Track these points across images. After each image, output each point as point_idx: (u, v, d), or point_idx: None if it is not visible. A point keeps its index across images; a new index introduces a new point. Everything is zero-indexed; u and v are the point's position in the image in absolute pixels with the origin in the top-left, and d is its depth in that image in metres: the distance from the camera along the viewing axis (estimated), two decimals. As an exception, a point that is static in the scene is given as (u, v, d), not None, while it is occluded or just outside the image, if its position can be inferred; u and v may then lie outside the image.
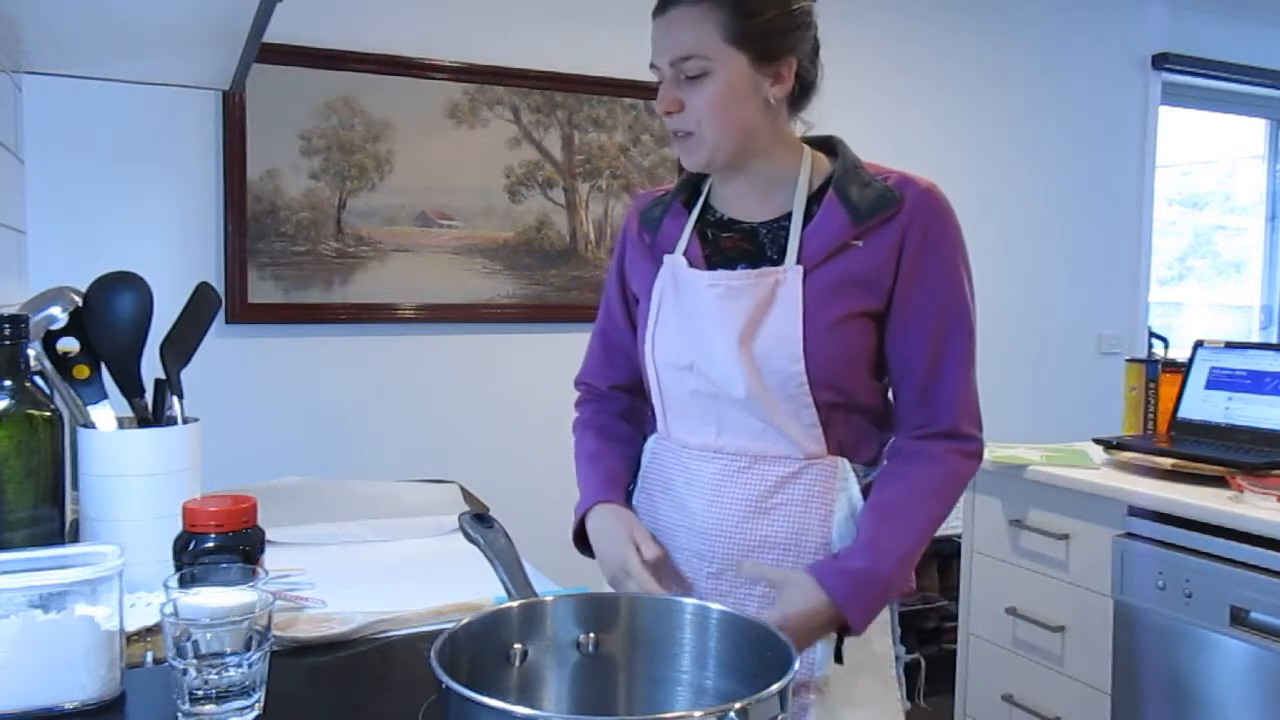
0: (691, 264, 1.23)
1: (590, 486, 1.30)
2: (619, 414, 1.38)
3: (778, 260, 1.18)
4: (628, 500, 1.30)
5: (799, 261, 1.16)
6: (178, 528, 0.98)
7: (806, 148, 1.24)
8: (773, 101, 1.17)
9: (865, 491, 1.20)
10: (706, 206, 1.27)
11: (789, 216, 1.20)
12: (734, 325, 1.16)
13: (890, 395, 1.24)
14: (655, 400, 1.27)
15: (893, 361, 1.19)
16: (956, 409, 1.18)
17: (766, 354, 1.15)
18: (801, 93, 1.22)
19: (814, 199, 1.20)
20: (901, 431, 1.22)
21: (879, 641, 1.21)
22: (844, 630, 1.14)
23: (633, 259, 1.33)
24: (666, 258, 1.25)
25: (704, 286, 1.19)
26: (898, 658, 1.24)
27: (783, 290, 1.15)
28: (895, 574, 1.13)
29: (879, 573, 1.12)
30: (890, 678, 1.21)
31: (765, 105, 1.17)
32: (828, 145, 1.25)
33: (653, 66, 1.18)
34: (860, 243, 1.15)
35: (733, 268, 1.20)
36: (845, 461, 1.19)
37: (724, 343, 1.16)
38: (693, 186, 1.31)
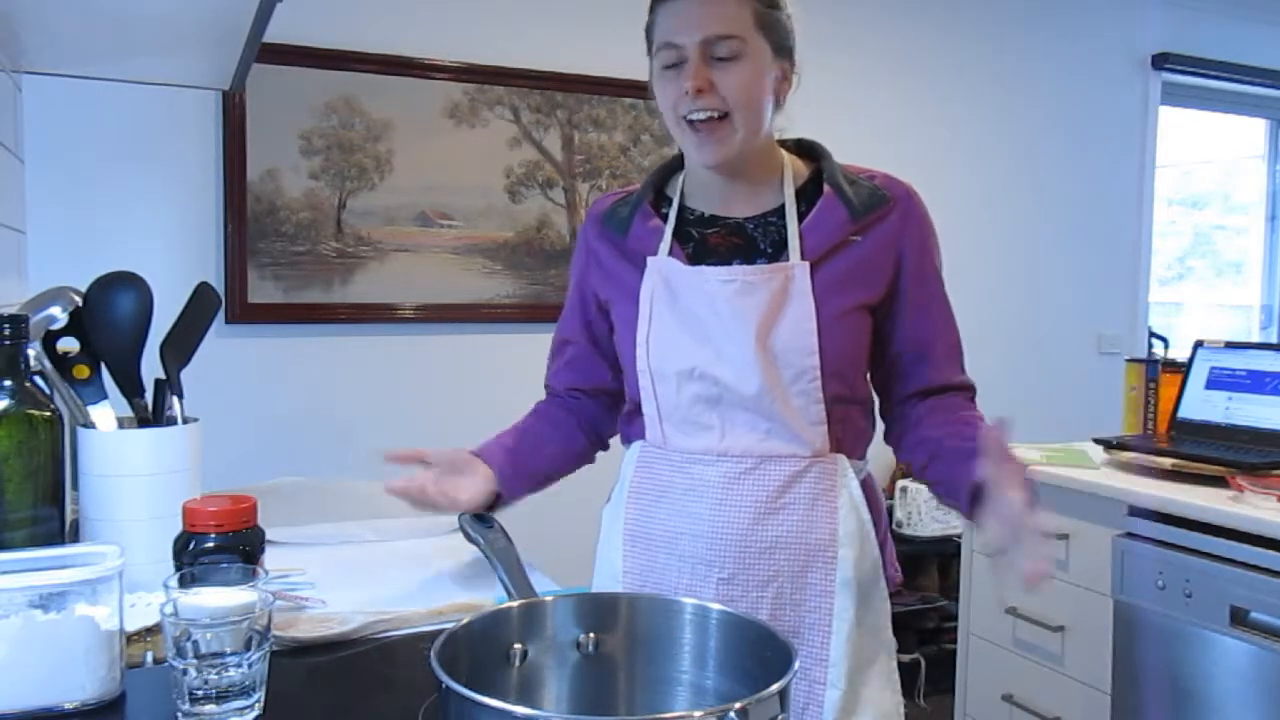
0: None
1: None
2: (569, 409, 1.40)
3: (773, 255, 1.19)
4: (514, 474, 1.33)
5: (803, 257, 1.17)
6: (178, 528, 0.98)
7: (779, 147, 1.26)
8: (779, 99, 1.20)
9: (863, 487, 1.22)
10: (681, 205, 1.26)
11: (775, 212, 1.21)
12: (750, 320, 1.16)
13: (879, 388, 1.29)
14: (649, 408, 1.24)
15: (905, 344, 1.23)
16: (970, 382, 1.27)
17: (784, 348, 1.16)
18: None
19: (798, 196, 1.22)
20: (925, 395, 1.25)
21: (884, 629, 1.23)
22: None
23: (602, 264, 1.30)
24: (650, 260, 1.23)
25: (716, 283, 1.18)
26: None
27: (794, 285, 1.17)
28: None
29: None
30: (892, 667, 1.24)
31: (774, 100, 1.19)
32: (802, 147, 1.28)
33: (669, 48, 1.14)
34: (859, 238, 1.19)
35: (726, 264, 1.20)
36: (844, 458, 1.21)
37: (739, 338, 1.16)
38: (658, 188, 1.30)
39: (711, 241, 1.23)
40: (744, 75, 1.13)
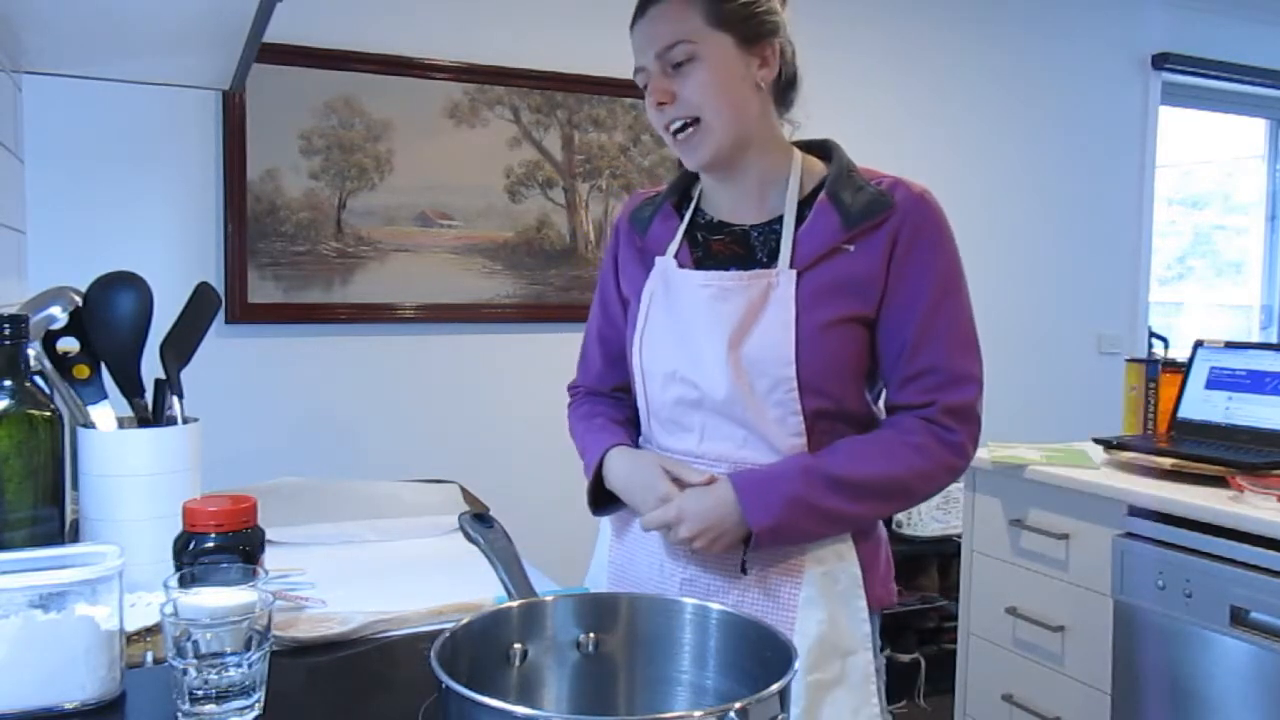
0: (681, 266, 1.22)
1: (603, 437, 1.27)
2: (628, 419, 1.34)
3: (768, 263, 1.18)
4: None
5: (791, 265, 1.15)
6: (178, 528, 0.98)
7: (797, 150, 1.24)
8: (762, 86, 1.17)
9: None
10: (697, 209, 1.27)
11: (780, 219, 1.20)
12: (724, 327, 1.15)
13: (878, 401, 1.25)
14: (640, 404, 1.26)
15: (883, 357, 1.19)
16: (938, 402, 1.16)
17: (757, 357, 1.14)
18: (787, 86, 1.22)
19: (806, 202, 1.19)
20: (890, 411, 1.22)
21: (859, 650, 1.18)
22: (749, 536, 1.12)
23: (625, 260, 1.32)
24: (658, 259, 1.24)
25: (695, 287, 1.18)
26: (878, 670, 1.21)
27: (775, 293, 1.14)
28: (802, 487, 1.11)
29: (784, 476, 1.12)
30: (870, 691, 1.18)
31: (756, 89, 1.17)
32: (821, 149, 1.25)
33: (638, 71, 1.18)
34: (851, 247, 1.15)
35: (724, 270, 1.19)
36: None
37: (713, 345, 1.15)
38: (683, 190, 1.30)
39: (715, 249, 1.23)
40: (701, 76, 1.13)
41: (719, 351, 1.15)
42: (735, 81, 1.15)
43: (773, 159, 1.21)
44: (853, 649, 1.17)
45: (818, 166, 1.23)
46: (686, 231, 1.25)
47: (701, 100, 1.14)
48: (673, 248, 1.24)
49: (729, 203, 1.24)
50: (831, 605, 1.16)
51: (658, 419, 1.24)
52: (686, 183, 1.31)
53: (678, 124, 1.16)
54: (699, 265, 1.22)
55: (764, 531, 1.11)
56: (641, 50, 1.17)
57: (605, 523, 1.34)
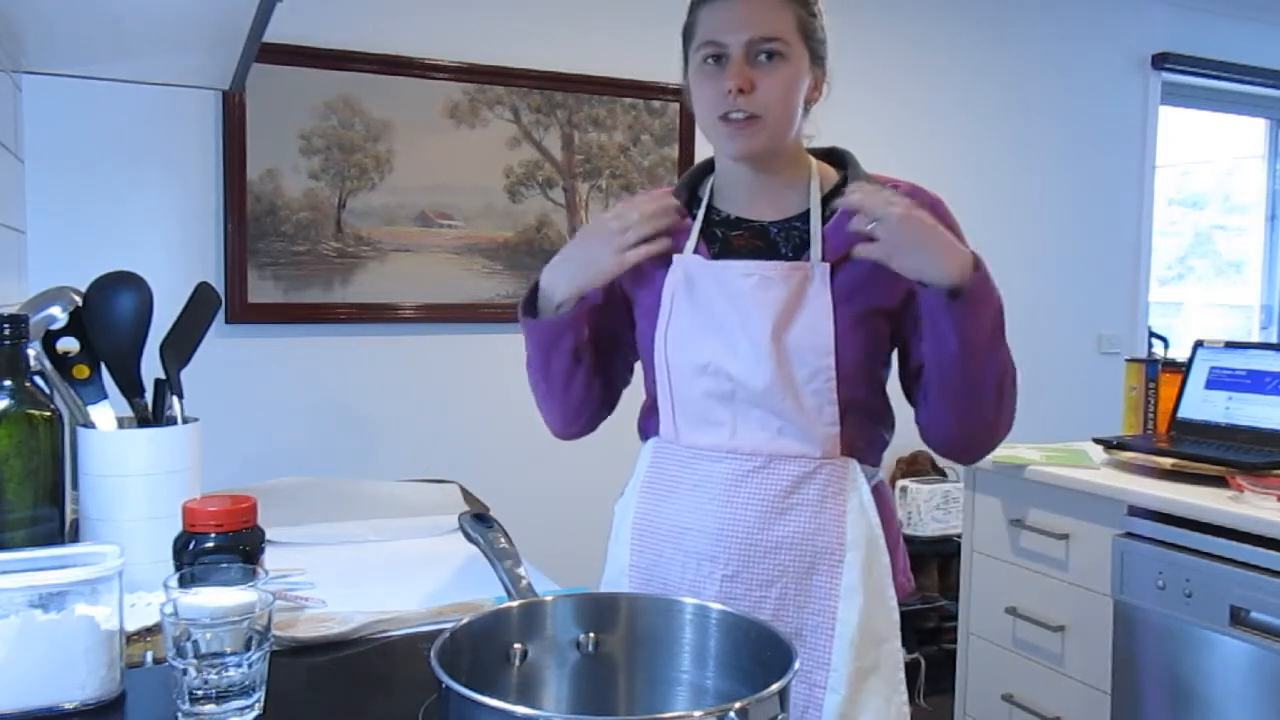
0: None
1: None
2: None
3: (794, 258, 1.20)
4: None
5: (823, 259, 1.18)
6: (178, 528, 0.98)
7: (810, 156, 1.28)
8: (809, 105, 1.22)
9: (875, 493, 1.22)
10: (710, 206, 1.28)
11: (801, 217, 1.23)
12: (768, 316, 1.16)
13: (907, 393, 1.28)
14: (663, 401, 1.25)
15: (923, 354, 1.21)
16: None
17: (800, 346, 1.16)
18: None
19: (823, 203, 1.23)
20: None
21: (891, 637, 1.21)
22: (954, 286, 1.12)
23: None
24: (676, 256, 1.25)
25: (736, 276, 1.19)
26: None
27: (813, 285, 1.17)
28: (999, 307, 1.18)
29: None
30: (899, 679, 1.21)
31: (804, 105, 1.21)
32: (832, 156, 1.30)
33: (707, 44, 1.17)
34: None
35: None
36: (855, 463, 1.21)
37: (755, 332, 1.17)
38: (691, 189, 1.32)
39: (735, 243, 1.24)
40: (784, 77, 1.15)
41: (762, 340, 1.16)
42: (799, 93, 1.18)
43: (794, 160, 1.25)
44: (886, 637, 1.20)
45: (830, 171, 1.27)
46: (701, 228, 1.26)
47: (773, 100, 1.15)
48: (690, 244, 1.24)
49: (747, 198, 1.26)
50: (868, 593, 1.18)
51: (684, 414, 1.23)
52: (694, 181, 1.32)
53: (742, 114, 1.16)
54: (717, 259, 1.23)
55: (980, 271, 1.13)
56: (728, 28, 1.15)
57: (619, 524, 1.33)
